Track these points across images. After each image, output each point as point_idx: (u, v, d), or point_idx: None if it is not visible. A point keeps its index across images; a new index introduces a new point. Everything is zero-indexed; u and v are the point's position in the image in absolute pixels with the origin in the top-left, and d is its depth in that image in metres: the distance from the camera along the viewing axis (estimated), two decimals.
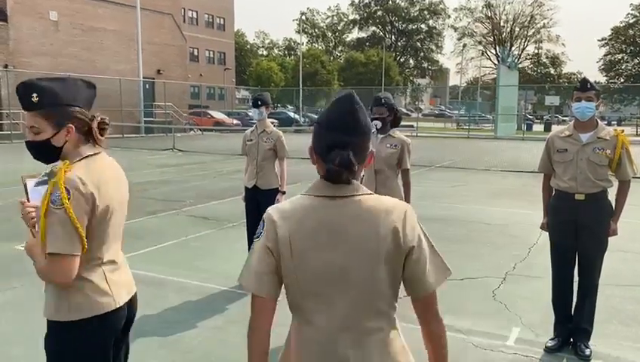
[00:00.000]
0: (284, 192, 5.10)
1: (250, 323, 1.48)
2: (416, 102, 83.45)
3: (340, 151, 1.43)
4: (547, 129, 40.68)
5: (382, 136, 4.46)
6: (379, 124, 4.39)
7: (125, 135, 27.73)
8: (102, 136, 2.03)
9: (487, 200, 10.30)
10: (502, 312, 4.59)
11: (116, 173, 2.05)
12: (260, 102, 4.99)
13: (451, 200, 10.13)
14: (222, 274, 5.40)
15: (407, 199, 4.52)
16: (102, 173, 1.94)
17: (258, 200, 5.06)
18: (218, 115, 36.18)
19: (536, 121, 46.24)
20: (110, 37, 29.92)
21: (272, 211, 1.51)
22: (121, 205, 2.04)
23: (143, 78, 30.39)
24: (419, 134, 32.02)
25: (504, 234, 7.49)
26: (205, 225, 7.73)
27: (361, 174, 1.58)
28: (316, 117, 41.74)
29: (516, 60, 48.62)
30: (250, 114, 5.52)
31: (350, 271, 1.42)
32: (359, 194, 1.45)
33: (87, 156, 1.95)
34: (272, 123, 5.27)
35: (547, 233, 4.02)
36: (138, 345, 3.75)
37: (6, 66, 24.86)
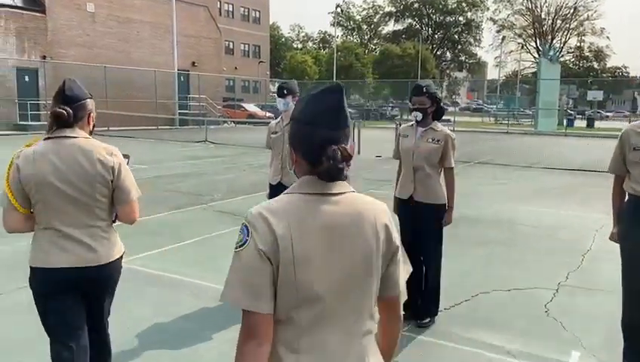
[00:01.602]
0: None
1: (247, 348, 1.28)
2: (453, 96, 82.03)
3: (335, 146, 1.37)
4: (590, 125, 39.39)
5: (422, 129, 3.97)
6: (419, 115, 3.89)
7: (160, 127, 27.79)
8: (55, 125, 2.42)
9: (531, 199, 9.63)
10: (557, 332, 4.03)
11: (65, 154, 2.37)
12: (285, 91, 4.52)
13: (493, 199, 9.52)
14: None
15: (450, 201, 4.02)
16: (35, 153, 2.36)
17: None
18: (251, 108, 36.05)
19: (578, 116, 44.66)
20: (146, 29, 29.99)
21: (260, 211, 1.37)
22: (51, 183, 2.34)
23: (178, 70, 30.42)
24: (456, 128, 31.08)
25: (552, 238, 6.87)
26: (232, 221, 7.36)
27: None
28: (351, 111, 41.62)
29: (558, 54, 46.89)
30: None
31: (353, 273, 1.36)
32: (349, 192, 1.41)
33: (46, 138, 2.42)
34: None
35: (604, 240, 3.46)
36: (147, 357, 3.37)
37: (44, 57, 25.15)
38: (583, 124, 40.19)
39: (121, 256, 2.55)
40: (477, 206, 8.70)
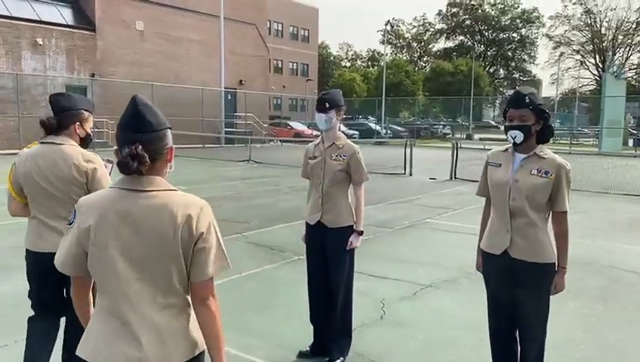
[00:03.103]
0: (360, 232, 3.58)
1: (74, 298, 1.84)
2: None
3: (129, 145, 1.64)
4: None
5: (522, 156, 2.79)
6: (519, 135, 2.73)
7: (206, 145, 27.38)
8: (45, 133, 2.88)
9: (620, 234, 8.18)
10: None
11: (47, 157, 2.81)
12: (327, 104, 3.48)
13: (573, 233, 8.07)
14: (272, 341, 3.95)
15: (561, 259, 2.83)
16: (28, 154, 2.86)
17: (324, 242, 3.57)
18: (298, 126, 35.34)
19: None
20: (194, 47, 29.87)
21: (81, 201, 1.76)
22: (35, 180, 2.81)
23: (225, 88, 30.05)
24: None
25: None
26: (267, 256, 6.34)
27: (167, 170, 1.77)
28: (399, 128, 40.00)
29: (622, 70, 44.19)
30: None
31: (149, 255, 1.66)
32: (160, 190, 1.69)
33: (40, 143, 2.90)
34: (351, 136, 3.68)
35: None
36: None
37: (93, 75, 25.21)
38: None
39: None
40: (573, 243, 7.34)
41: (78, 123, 2.89)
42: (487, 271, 2.95)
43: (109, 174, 2.95)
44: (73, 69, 24.85)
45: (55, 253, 2.26)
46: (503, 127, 2.87)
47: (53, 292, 2.87)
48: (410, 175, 15.38)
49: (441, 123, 48.03)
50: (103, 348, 1.65)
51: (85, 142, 2.95)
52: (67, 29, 24.67)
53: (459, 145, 15.53)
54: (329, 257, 3.55)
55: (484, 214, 3.05)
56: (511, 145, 2.81)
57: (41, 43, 23.56)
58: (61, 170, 2.77)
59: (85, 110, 2.93)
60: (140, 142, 1.64)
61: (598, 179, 14.65)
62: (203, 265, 1.68)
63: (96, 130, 24.23)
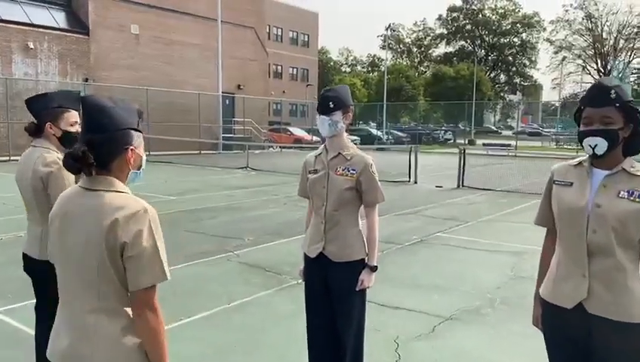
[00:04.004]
0: (374, 268, 2.83)
1: None
2: (507, 120, 79.02)
3: (79, 145, 1.66)
4: None
5: (606, 173, 2.04)
6: (601, 144, 1.97)
7: (203, 151, 26.68)
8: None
9: None
10: None
11: (21, 162, 2.87)
12: (332, 104, 2.74)
13: None
14: None
15: None
16: (21, 158, 2.90)
17: (327, 280, 2.83)
18: (298, 132, 34.64)
19: None
20: (191, 50, 29.17)
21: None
22: (19, 185, 2.87)
23: (223, 92, 29.35)
24: (518, 154, 28.59)
25: None
26: (261, 280, 5.59)
27: (128, 171, 1.75)
28: (401, 134, 39.13)
29: (627, 73, 43.52)
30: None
31: (75, 257, 1.68)
32: (104, 190, 1.68)
33: None
34: (352, 142, 2.89)
35: None
36: None
37: (86, 80, 24.51)
38: None
39: None
40: None
41: (49, 123, 2.79)
42: (551, 329, 2.18)
43: None
44: (66, 73, 24.14)
45: (26, 256, 2.69)
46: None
47: (40, 299, 2.92)
48: (415, 183, 14.64)
49: (443, 128, 47.34)
50: (50, 340, 1.77)
51: (65, 141, 2.78)
52: (60, 32, 23.98)
53: (464, 151, 14.76)
54: (334, 299, 2.81)
55: (544, 250, 2.31)
56: (587, 157, 2.08)
57: (32, 47, 22.87)
58: (27, 174, 2.78)
59: (59, 107, 2.79)
60: (90, 142, 1.65)
61: None
62: (134, 275, 1.64)
63: None
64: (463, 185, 14.01)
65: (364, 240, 2.81)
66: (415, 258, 6.64)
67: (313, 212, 2.89)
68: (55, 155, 2.74)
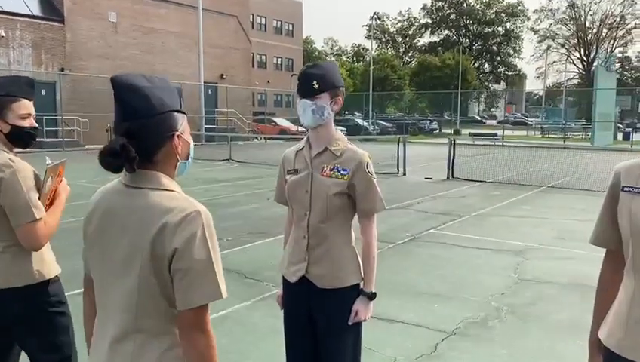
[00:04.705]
0: (371, 295, 2.22)
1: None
2: (492, 109, 79.10)
3: (115, 137, 1.40)
4: None
5: None
6: None
7: None
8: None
9: None
10: None
11: None
12: (316, 83, 2.12)
13: None
14: None
15: None
16: None
17: (312, 311, 2.24)
18: (283, 123, 33.97)
19: (627, 129, 41.21)
20: (171, 39, 28.31)
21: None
22: None
23: (205, 82, 28.56)
24: (505, 144, 28.23)
25: None
26: (239, 289, 5.01)
27: (176, 163, 1.47)
28: (387, 124, 38.77)
29: (613, 62, 43.35)
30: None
31: (113, 266, 1.42)
32: (150, 188, 1.42)
33: None
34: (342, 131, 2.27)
35: None
36: None
37: (62, 70, 23.57)
38: (637, 137, 36.79)
39: (29, 287, 2.20)
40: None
41: None
42: None
43: None
44: (40, 62, 23.21)
45: None
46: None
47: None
48: (404, 174, 14.12)
49: (429, 118, 46.98)
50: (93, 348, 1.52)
51: (15, 137, 2.23)
52: (33, 19, 23.00)
53: (454, 142, 14.25)
54: (321, 335, 2.23)
55: (603, 280, 1.77)
56: None
57: (4, 35, 21.90)
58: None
59: (5, 95, 2.19)
60: (129, 131, 1.38)
61: (607, 177, 13.45)
62: (182, 291, 1.35)
63: (66, 128, 22.62)
64: (453, 177, 13.53)
65: (359, 260, 2.23)
66: (409, 259, 6.09)
67: (293, 224, 2.30)
68: (6, 156, 2.18)
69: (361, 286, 2.22)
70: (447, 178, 13.53)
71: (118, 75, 1.43)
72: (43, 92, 23.10)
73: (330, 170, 2.17)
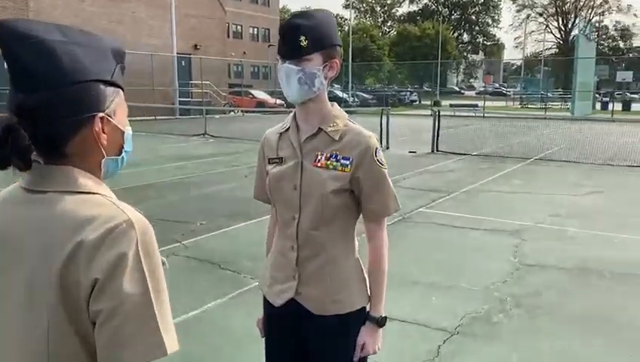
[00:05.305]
0: (380, 321, 1.68)
1: None
2: (470, 80, 79.03)
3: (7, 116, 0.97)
4: (626, 108, 36.26)
5: None
6: None
7: (158, 117, 24.93)
8: None
9: None
10: None
11: None
12: (306, 40, 1.50)
13: (598, 223, 6.47)
14: None
15: None
16: None
17: (302, 340, 1.70)
18: (260, 95, 33.12)
19: (605, 99, 41.37)
20: (142, 8, 27.01)
21: None
22: None
23: (178, 53, 27.49)
24: (486, 114, 27.93)
25: None
26: (212, 282, 4.46)
27: (101, 153, 1.01)
28: (367, 96, 38.30)
29: (592, 31, 43.15)
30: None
31: (13, 311, 0.95)
32: (64, 191, 0.97)
33: None
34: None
35: None
36: None
37: None
38: (619, 107, 36.88)
39: None
40: (585, 238, 5.73)
41: None
42: None
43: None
44: None
45: None
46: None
47: None
48: (387, 148, 13.60)
49: (408, 90, 46.47)
50: None
51: None
52: None
53: (439, 113, 13.74)
54: None
55: None
56: None
57: None
58: None
59: None
60: (22, 109, 0.94)
61: (591, 147, 13.19)
62: (106, 346, 0.90)
63: None
64: (437, 150, 13.07)
65: (365, 275, 1.70)
66: (401, 243, 5.60)
67: (278, 229, 1.75)
68: None
69: (368, 310, 1.69)
70: (432, 151, 13.07)
71: (9, 21, 0.94)
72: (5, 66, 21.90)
73: (327, 159, 1.59)
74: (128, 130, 1.09)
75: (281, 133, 1.70)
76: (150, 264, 0.95)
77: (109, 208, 0.96)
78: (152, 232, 0.98)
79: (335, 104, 1.67)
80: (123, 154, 1.08)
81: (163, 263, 1.06)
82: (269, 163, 1.69)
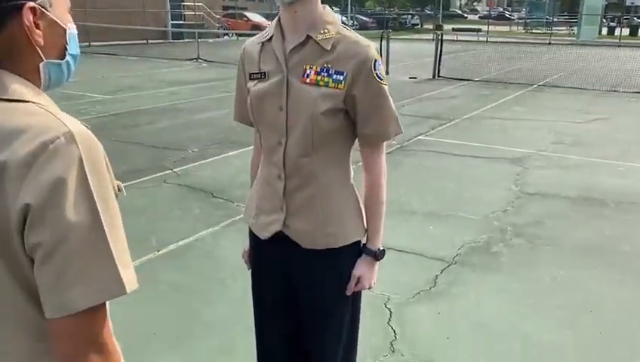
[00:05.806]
0: (378, 254, 1.51)
1: None
2: (474, 3, 76.41)
3: None
4: (633, 33, 35.26)
5: None
6: None
7: (150, 41, 24.10)
8: None
9: None
10: None
11: None
12: None
13: (603, 150, 6.29)
14: None
15: None
16: None
17: (293, 276, 1.53)
18: (255, 18, 31.91)
19: (612, 23, 40.11)
20: None
21: None
22: None
23: None
24: (489, 39, 27.09)
25: None
26: (205, 211, 4.32)
27: (43, 61, 0.84)
28: (367, 19, 37.04)
29: None
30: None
31: None
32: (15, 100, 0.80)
33: None
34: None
35: None
36: None
37: None
38: (626, 32, 35.80)
39: None
40: (588, 167, 5.57)
41: None
42: None
43: None
44: None
45: None
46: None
47: None
48: (387, 73, 13.13)
49: (410, 13, 44.90)
50: None
51: None
52: None
53: (441, 38, 13.21)
54: (306, 311, 1.55)
55: None
56: None
57: None
58: None
59: None
60: None
61: (596, 74, 12.79)
62: (49, 284, 0.75)
63: None
64: (439, 76, 12.68)
65: (361, 206, 1.52)
66: (398, 172, 5.43)
67: (262, 155, 1.54)
68: None
69: (364, 242, 1.52)
70: (433, 77, 12.68)
71: None
72: None
73: (317, 74, 1.36)
74: (72, 29, 0.88)
75: (263, 43, 1.45)
76: (99, 187, 0.78)
77: (45, 118, 0.78)
78: (101, 148, 0.80)
79: (327, 7, 1.41)
80: (67, 57, 0.88)
81: (119, 189, 0.88)
82: (250, 78, 1.46)
